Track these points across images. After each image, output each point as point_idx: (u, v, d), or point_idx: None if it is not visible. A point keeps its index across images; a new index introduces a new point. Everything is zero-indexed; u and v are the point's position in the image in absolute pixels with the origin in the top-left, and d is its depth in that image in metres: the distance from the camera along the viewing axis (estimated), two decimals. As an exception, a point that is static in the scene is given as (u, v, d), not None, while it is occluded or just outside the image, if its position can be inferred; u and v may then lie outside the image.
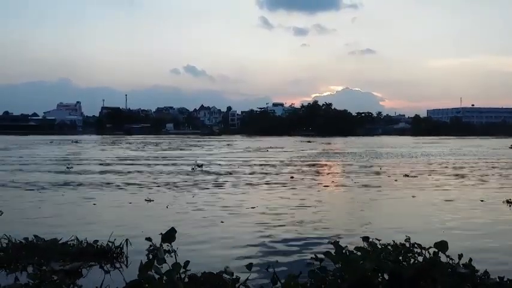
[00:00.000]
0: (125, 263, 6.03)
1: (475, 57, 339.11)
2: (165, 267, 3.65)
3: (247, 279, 3.90)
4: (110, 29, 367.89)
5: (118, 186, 15.53)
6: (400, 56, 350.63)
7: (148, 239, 4.79)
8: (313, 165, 26.79)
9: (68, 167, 22.25)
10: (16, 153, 36.10)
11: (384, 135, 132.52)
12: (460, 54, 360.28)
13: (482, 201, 12.55)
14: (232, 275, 3.94)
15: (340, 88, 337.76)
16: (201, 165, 23.18)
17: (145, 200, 12.04)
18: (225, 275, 4.00)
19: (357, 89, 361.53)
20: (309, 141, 73.15)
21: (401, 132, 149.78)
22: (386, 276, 4.20)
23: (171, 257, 3.90)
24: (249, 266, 4.14)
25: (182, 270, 3.75)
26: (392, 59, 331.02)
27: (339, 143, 70.28)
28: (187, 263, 3.85)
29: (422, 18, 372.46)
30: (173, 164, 25.53)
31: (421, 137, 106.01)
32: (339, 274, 4.17)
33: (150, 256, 5.65)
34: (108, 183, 16.16)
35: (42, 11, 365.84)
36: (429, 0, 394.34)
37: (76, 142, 64.26)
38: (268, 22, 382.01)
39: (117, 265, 5.93)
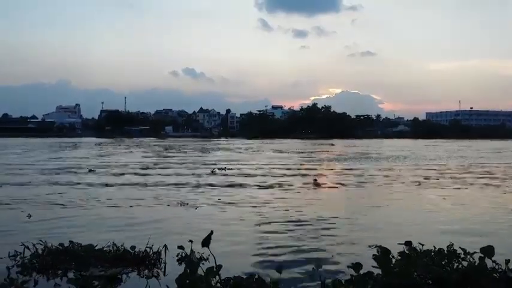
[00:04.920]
0: (163, 269, 6.00)
1: (474, 60, 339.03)
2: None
3: (278, 280, 3.92)
4: (108, 31, 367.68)
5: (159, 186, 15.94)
6: (399, 58, 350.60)
7: (181, 247, 4.83)
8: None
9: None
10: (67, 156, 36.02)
11: (383, 138, 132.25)
12: (459, 57, 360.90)
13: None
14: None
15: (339, 91, 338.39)
16: (224, 168, 23.60)
17: (179, 203, 12.05)
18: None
19: (356, 91, 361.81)
20: (332, 144, 71.13)
21: (401, 135, 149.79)
22: (430, 281, 4.24)
23: (203, 264, 3.92)
24: (279, 269, 4.17)
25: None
26: (391, 62, 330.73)
27: (363, 145, 68.87)
28: (219, 267, 3.87)
29: (422, 20, 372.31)
30: (206, 168, 25.57)
31: (423, 140, 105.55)
32: (385, 279, 4.21)
33: (183, 263, 5.69)
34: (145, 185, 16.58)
35: (41, 12, 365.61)
36: (429, 3, 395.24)
37: (100, 145, 64.14)
38: (267, 24, 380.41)
39: (156, 272, 5.89)
